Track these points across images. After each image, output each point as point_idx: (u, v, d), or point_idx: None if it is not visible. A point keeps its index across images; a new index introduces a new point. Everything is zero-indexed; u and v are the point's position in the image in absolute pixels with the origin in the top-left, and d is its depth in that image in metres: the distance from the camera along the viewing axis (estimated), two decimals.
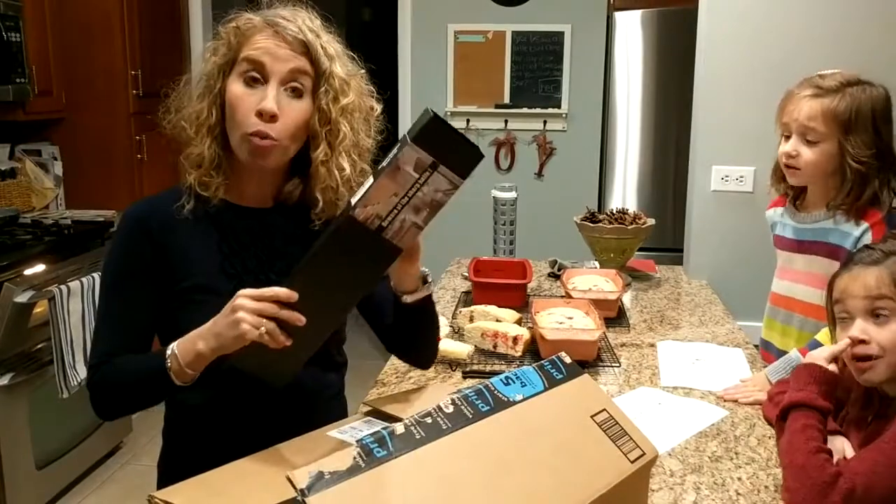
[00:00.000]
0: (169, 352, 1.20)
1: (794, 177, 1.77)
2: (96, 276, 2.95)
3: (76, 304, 2.82)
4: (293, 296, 1.09)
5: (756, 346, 2.00)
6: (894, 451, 1.17)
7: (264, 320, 1.09)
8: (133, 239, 1.29)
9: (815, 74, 1.75)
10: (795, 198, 1.85)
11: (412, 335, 1.43)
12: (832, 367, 1.33)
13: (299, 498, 0.84)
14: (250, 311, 1.09)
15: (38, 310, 2.76)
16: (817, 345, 1.60)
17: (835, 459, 1.23)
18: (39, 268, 2.81)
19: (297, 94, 1.25)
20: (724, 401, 1.66)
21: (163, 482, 1.30)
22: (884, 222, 1.65)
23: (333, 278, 1.12)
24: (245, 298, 1.11)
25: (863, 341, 1.28)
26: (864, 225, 1.67)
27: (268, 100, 1.22)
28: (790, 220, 1.83)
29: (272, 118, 1.22)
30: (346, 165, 1.30)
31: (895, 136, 1.68)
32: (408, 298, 1.32)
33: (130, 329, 1.29)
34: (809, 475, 1.17)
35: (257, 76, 1.23)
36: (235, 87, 1.24)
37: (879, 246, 1.31)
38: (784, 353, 1.77)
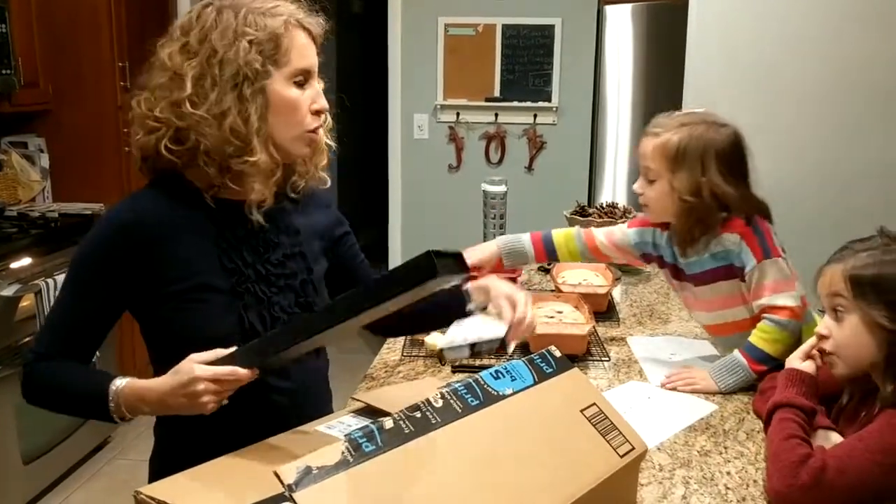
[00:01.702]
0: (113, 389, 1.19)
1: (647, 213, 1.78)
2: None
3: None
4: (253, 375, 1.13)
5: None
6: (872, 436, 1.18)
7: (223, 393, 1.13)
8: (113, 245, 1.25)
9: (666, 114, 1.75)
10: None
11: (431, 325, 1.56)
12: (807, 366, 1.36)
13: (287, 493, 0.83)
14: (214, 393, 1.12)
15: (24, 303, 2.74)
16: (752, 347, 1.64)
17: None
18: (26, 261, 2.79)
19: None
20: (662, 385, 1.69)
21: (154, 480, 1.29)
22: (748, 225, 1.64)
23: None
24: (206, 382, 1.11)
25: (824, 336, 1.32)
26: (734, 236, 1.65)
27: (322, 98, 1.30)
28: (679, 257, 1.77)
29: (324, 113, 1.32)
30: (332, 143, 1.41)
31: (737, 175, 1.65)
32: (473, 308, 1.42)
33: (84, 332, 1.28)
34: (781, 458, 1.19)
35: (304, 80, 1.29)
36: (290, 91, 1.27)
37: (852, 245, 1.32)
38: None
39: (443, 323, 1.55)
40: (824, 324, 1.32)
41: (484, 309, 1.40)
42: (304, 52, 1.28)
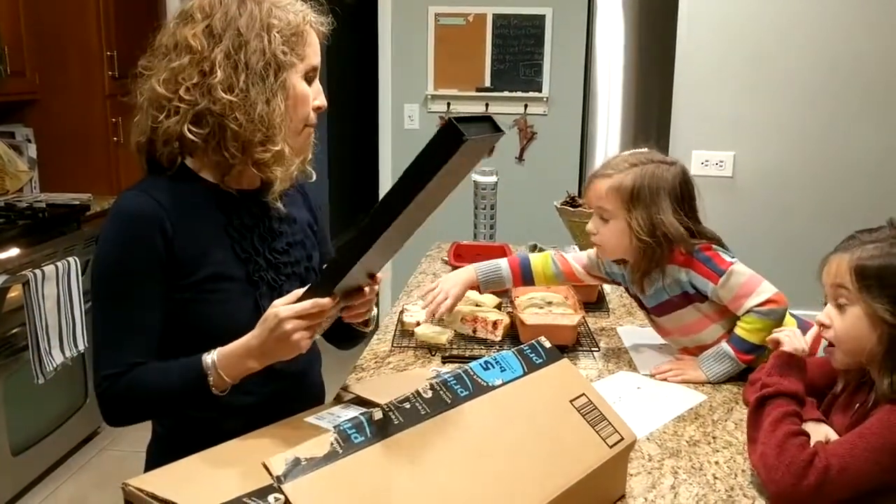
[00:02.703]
0: (207, 364, 1.18)
1: (602, 253, 1.82)
2: (71, 260, 2.92)
3: (51, 288, 2.79)
4: (336, 302, 1.15)
5: None
6: (873, 434, 1.18)
7: (313, 328, 1.15)
8: (143, 235, 1.22)
9: (612, 156, 1.78)
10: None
11: (352, 340, 1.54)
12: (799, 348, 1.36)
13: (276, 485, 0.83)
14: (306, 329, 1.14)
15: (12, 294, 2.73)
16: (739, 339, 1.65)
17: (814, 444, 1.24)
18: (13, 252, 2.78)
19: None
20: (652, 376, 1.70)
21: (150, 469, 1.28)
22: (688, 254, 1.67)
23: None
24: (294, 321, 1.12)
25: (825, 325, 1.32)
26: (679, 269, 1.68)
27: (323, 96, 1.34)
28: (637, 293, 1.82)
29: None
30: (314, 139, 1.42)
31: (687, 212, 1.68)
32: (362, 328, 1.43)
33: (147, 333, 1.24)
34: (788, 455, 1.19)
35: (314, 76, 1.33)
36: (303, 87, 1.30)
37: (860, 235, 1.31)
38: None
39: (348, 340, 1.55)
40: (826, 312, 1.32)
41: None
42: (317, 50, 1.32)
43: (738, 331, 1.66)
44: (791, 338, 1.37)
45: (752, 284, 1.65)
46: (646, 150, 1.75)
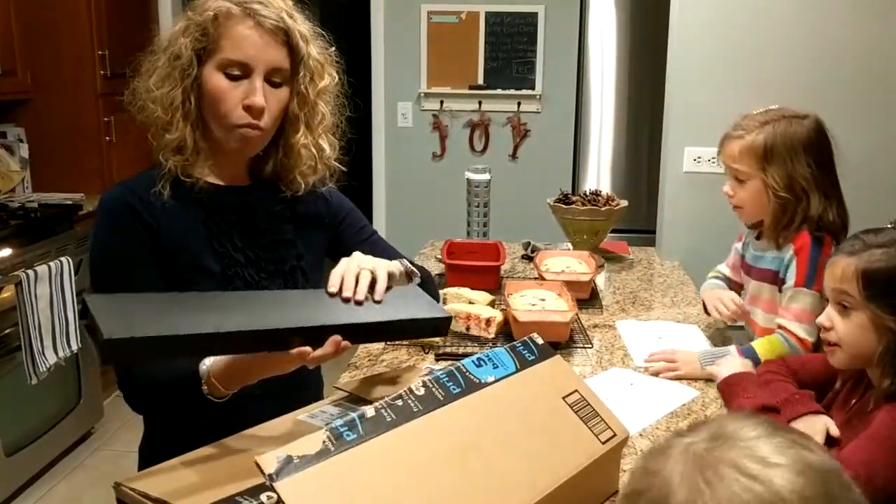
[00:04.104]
0: (204, 378, 1.16)
1: (740, 215, 1.83)
2: (64, 260, 2.91)
3: (44, 288, 2.78)
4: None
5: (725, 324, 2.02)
6: (885, 437, 1.18)
7: None
8: (124, 222, 1.25)
9: (743, 115, 1.78)
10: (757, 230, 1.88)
11: None
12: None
13: (268, 483, 0.83)
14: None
15: (4, 295, 2.72)
16: (751, 351, 1.66)
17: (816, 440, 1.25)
18: (6, 252, 2.77)
19: (277, 84, 1.28)
20: (646, 370, 1.71)
21: (144, 467, 1.28)
22: (808, 246, 1.68)
23: None
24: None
25: (826, 328, 1.33)
26: (791, 249, 1.70)
27: (257, 96, 1.24)
28: (750, 248, 1.86)
29: (261, 112, 1.25)
30: (326, 146, 1.36)
31: (824, 164, 1.69)
32: None
33: None
34: None
35: (240, 72, 1.25)
36: (218, 81, 1.25)
37: (866, 237, 1.30)
38: None
39: None
40: (827, 314, 1.32)
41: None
42: (241, 43, 1.24)
43: (756, 344, 1.67)
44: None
45: (808, 317, 1.64)
46: (776, 106, 1.74)
